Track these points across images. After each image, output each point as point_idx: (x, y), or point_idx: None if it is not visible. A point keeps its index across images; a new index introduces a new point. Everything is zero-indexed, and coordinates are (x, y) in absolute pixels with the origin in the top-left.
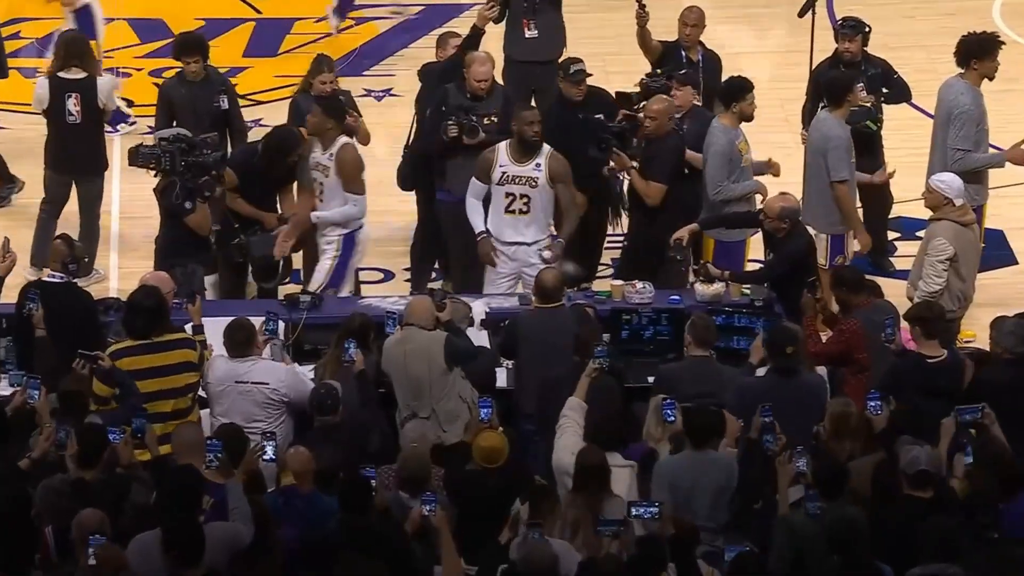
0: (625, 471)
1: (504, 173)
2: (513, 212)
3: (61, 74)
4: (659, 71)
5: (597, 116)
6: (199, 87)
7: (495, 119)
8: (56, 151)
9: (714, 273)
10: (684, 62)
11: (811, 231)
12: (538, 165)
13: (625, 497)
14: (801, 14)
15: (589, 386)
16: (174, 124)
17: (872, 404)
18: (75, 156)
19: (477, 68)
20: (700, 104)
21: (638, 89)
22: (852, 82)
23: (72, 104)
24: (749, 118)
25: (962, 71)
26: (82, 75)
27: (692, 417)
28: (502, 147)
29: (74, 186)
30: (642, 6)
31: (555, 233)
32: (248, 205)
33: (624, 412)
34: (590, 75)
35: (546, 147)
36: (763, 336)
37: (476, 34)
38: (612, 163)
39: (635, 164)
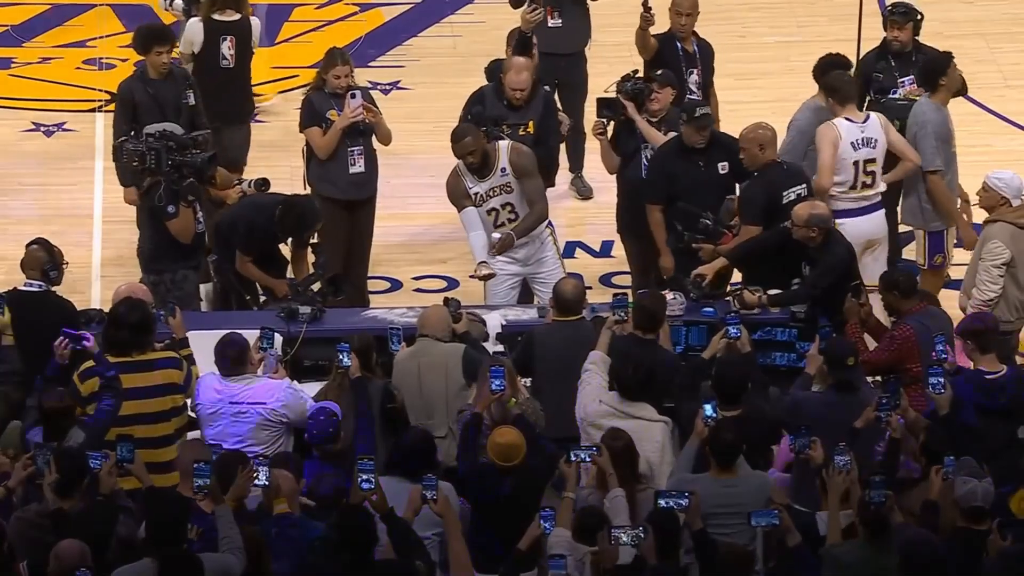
0: (657, 426)
1: (477, 194)
2: (503, 224)
3: (215, 16)
4: (633, 72)
5: (689, 207)
6: (165, 84)
7: (531, 130)
8: (204, 98)
9: (750, 300)
10: (680, 55)
11: (909, 228)
12: (503, 170)
13: (657, 458)
14: None
15: (610, 339)
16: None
17: (934, 381)
18: (223, 102)
19: (512, 76)
20: (696, 99)
21: (615, 93)
22: (946, 63)
23: (227, 48)
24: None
25: None
26: (236, 16)
27: (718, 431)
28: (462, 169)
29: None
30: (647, 9)
31: (551, 222)
32: (259, 272)
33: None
34: (715, 121)
35: (502, 144)
36: (820, 345)
37: (524, 39)
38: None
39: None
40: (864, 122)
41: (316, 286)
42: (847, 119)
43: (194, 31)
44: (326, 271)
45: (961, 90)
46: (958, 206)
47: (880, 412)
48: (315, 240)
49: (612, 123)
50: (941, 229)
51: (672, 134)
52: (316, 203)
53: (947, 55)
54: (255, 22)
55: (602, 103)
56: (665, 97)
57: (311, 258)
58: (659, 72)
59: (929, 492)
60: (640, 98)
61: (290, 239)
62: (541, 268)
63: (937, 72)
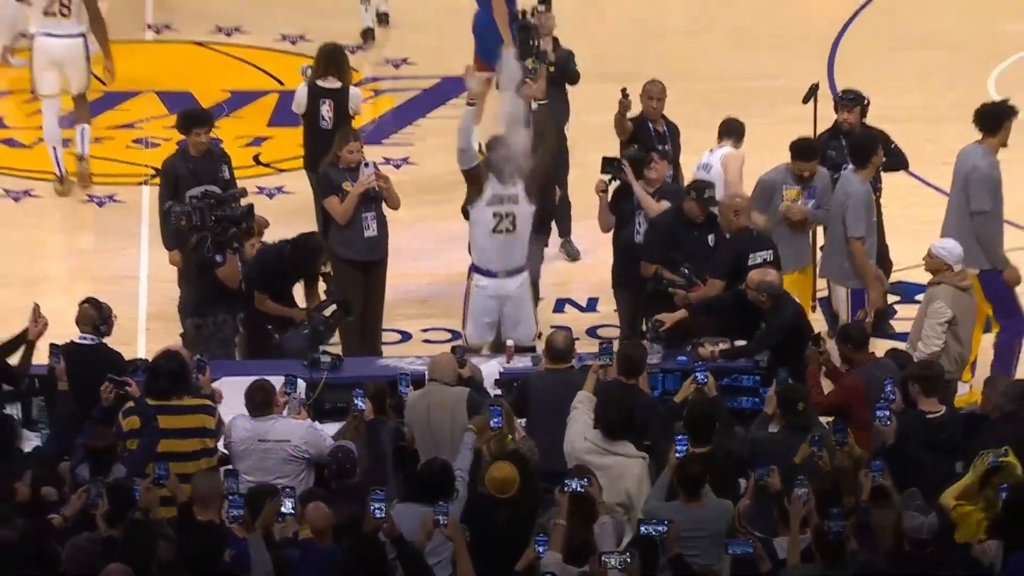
0: (636, 462)
1: (495, 194)
2: (500, 232)
3: (319, 82)
4: (635, 146)
5: (679, 260)
6: (203, 160)
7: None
8: (309, 151)
9: (704, 354)
10: (652, 135)
11: (836, 287)
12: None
13: (635, 490)
14: (805, 100)
15: (595, 381)
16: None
17: (880, 414)
18: (323, 157)
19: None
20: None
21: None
22: (876, 143)
23: (326, 110)
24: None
25: (979, 139)
26: (337, 84)
27: (684, 466)
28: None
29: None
30: (626, 95)
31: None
32: (276, 305)
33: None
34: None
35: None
36: (776, 388)
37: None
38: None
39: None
40: (712, 152)
41: (329, 310)
42: (710, 150)
43: (301, 94)
44: (338, 296)
45: (902, 165)
46: (873, 273)
47: (814, 447)
48: (324, 270)
49: (612, 182)
50: (862, 288)
51: (664, 202)
52: (320, 240)
53: (877, 138)
54: (355, 92)
55: (606, 161)
56: (662, 169)
57: (322, 286)
58: (660, 148)
59: (862, 495)
60: (640, 165)
61: (302, 279)
62: (518, 335)
63: (869, 151)
